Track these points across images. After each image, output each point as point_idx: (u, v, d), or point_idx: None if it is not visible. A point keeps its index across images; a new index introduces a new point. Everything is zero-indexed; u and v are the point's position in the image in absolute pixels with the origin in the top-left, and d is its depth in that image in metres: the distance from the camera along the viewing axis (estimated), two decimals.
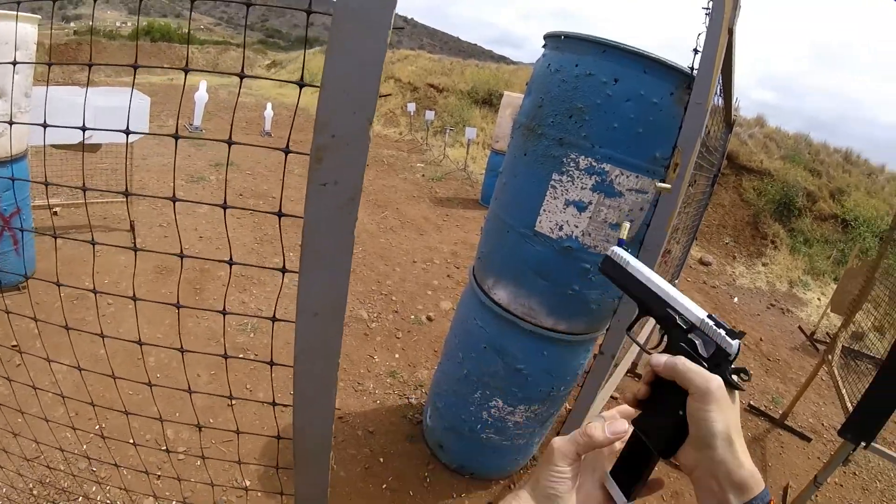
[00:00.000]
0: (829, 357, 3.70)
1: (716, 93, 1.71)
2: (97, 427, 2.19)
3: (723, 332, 0.51)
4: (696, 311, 0.54)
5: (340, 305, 0.52)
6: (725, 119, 2.77)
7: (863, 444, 2.20)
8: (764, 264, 8.25)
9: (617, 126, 1.68)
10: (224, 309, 0.66)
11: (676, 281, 3.77)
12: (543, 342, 2.10)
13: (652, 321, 0.71)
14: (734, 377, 0.51)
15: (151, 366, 2.87)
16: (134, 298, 0.70)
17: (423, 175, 8.95)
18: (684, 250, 3.97)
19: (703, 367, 0.51)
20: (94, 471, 2.17)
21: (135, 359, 2.63)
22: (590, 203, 1.81)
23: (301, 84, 0.50)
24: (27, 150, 3.21)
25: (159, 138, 6.90)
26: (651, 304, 0.58)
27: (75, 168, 4.39)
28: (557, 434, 1.65)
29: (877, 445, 2.25)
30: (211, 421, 2.60)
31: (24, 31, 2.93)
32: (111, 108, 3.11)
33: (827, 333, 5.59)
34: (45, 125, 0.90)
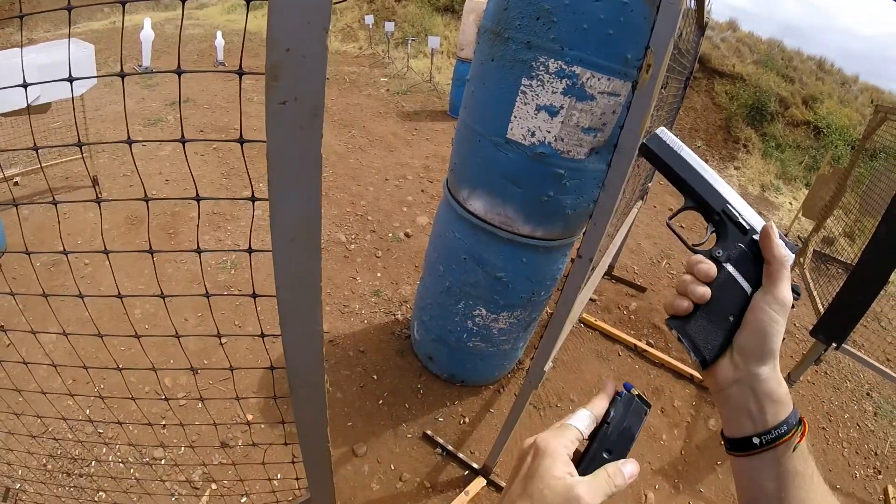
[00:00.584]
0: (801, 260, 3.86)
1: None
2: (96, 389, 2.22)
3: (784, 241, 0.50)
4: (756, 215, 0.52)
5: (315, 228, 0.52)
6: (697, 22, 2.68)
7: (834, 345, 2.32)
8: (736, 168, 8.35)
9: (587, 27, 1.61)
10: (198, 247, 0.65)
11: (649, 185, 3.82)
12: (521, 249, 2.14)
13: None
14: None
15: (138, 318, 2.86)
16: (105, 252, 0.68)
17: (388, 90, 8.60)
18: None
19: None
20: (101, 433, 2.22)
21: (121, 314, 2.61)
22: (561, 107, 1.77)
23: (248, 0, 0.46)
24: None
25: (111, 86, 6.41)
26: (707, 197, 0.54)
27: (28, 133, 4.10)
28: (540, 339, 1.70)
29: (847, 347, 2.38)
30: (205, 362, 2.65)
31: None
32: (54, 63, 2.84)
33: (798, 237, 5.79)
34: None
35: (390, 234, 4.19)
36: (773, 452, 0.47)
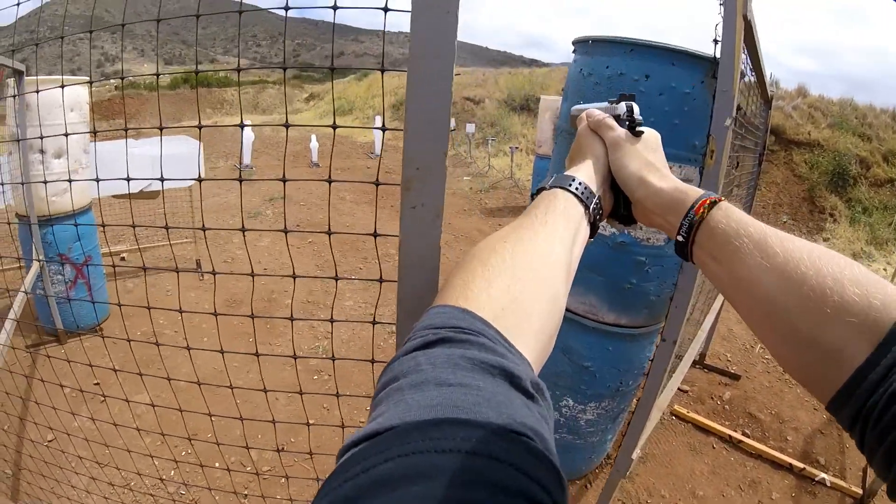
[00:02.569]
0: None
1: (747, 71, 1.73)
2: (183, 453, 2.37)
3: (621, 105, 0.64)
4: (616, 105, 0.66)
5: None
6: (762, 95, 2.74)
7: None
8: (825, 239, 7.88)
9: (654, 120, 1.70)
10: (291, 315, 0.77)
11: None
12: (607, 338, 2.14)
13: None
14: (636, 128, 0.62)
15: (228, 393, 3.04)
16: (188, 348, 0.81)
17: (471, 188, 9.06)
18: None
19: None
20: (183, 494, 2.33)
21: (213, 388, 2.81)
22: None
23: (384, 129, 0.61)
24: (91, 203, 3.51)
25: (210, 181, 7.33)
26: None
27: (137, 215, 4.74)
28: (623, 436, 1.67)
29: None
30: (292, 440, 2.76)
31: (76, 94, 3.20)
32: (166, 155, 3.36)
33: None
34: (97, 179, 1.06)
35: None
36: (699, 240, 0.52)
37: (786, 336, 0.42)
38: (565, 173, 0.59)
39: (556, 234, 0.50)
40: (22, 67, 2.72)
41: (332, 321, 0.81)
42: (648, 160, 0.60)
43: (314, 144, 9.90)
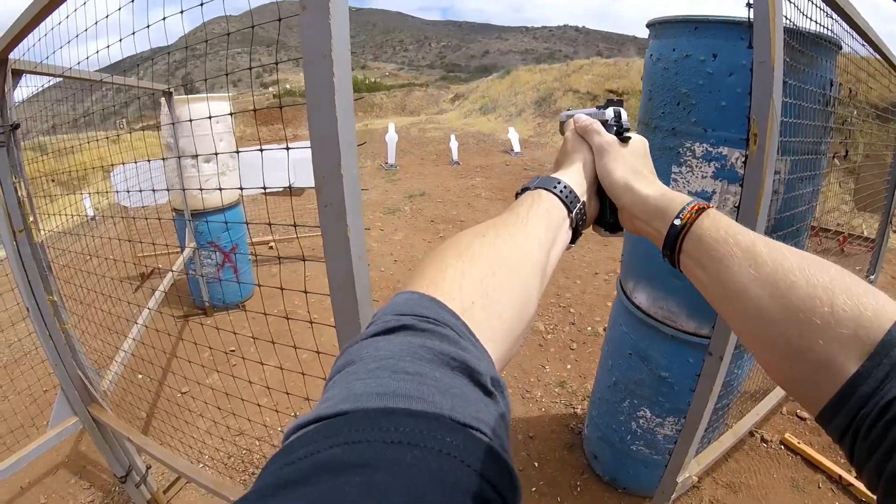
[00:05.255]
0: None
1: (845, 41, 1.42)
2: (293, 414, 2.71)
3: (609, 110, 0.65)
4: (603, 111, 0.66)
5: None
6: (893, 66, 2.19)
7: None
8: None
9: (725, 104, 1.53)
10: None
11: (871, 277, 3.05)
12: (687, 348, 1.94)
13: None
14: (623, 134, 0.62)
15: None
16: (311, 322, 0.96)
17: None
18: (879, 235, 3.12)
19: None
20: None
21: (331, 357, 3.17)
22: (714, 192, 1.66)
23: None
24: (239, 199, 4.16)
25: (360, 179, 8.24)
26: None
27: (286, 210, 5.48)
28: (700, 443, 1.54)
29: None
30: None
31: (221, 107, 3.77)
32: (303, 159, 3.88)
33: None
34: (240, 188, 1.29)
35: (589, 328, 4.10)
36: (686, 247, 0.51)
37: (774, 346, 0.41)
38: (551, 175, 0.58)
39: (536, 235, 0.49)
40: (170, 89, 3.38)
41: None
42: (635, 166, 0.60)
43: (454, 144, 10.29)
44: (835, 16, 1.35)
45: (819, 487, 2.49)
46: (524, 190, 0.57)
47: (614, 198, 0.59)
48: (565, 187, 0.55)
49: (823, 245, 3.30)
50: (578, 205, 0.56)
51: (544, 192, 0.54)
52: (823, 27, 1.30)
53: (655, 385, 2.07)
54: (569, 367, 3.58)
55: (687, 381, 1.99)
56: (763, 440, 2.72)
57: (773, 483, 2.51)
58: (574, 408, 3.11)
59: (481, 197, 7.58)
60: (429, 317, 0.34)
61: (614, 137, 0.61)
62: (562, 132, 0.69)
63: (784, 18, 1.06)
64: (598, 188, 0.61)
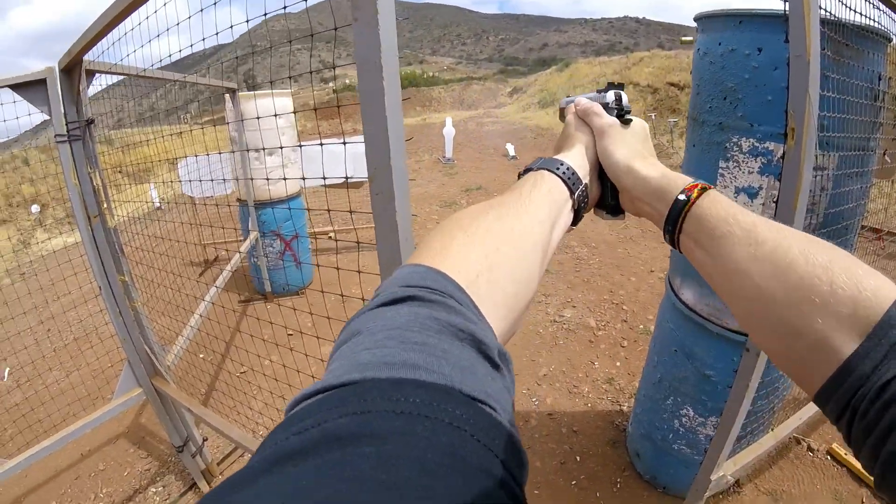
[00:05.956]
0: None
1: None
2: None
3: (610, 93, 0.65)
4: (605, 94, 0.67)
5: None
6: None
7: None
8: None
9: (771, 99, 1.50)
10: None
11: None
12: (732, 346, 1.91)
13: None
14: (624, 116, 0.63)
15: None
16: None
17: None
18: None
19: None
20: None
21: None
22: (760, 188, 1.63)
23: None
24: (300, 191, 4.38)
25: (417, 173, 8.30)
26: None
27: (344, 204, 5.65)
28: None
29: None
30: None
31: (284, 103, 3.97)
32: (359, 153, 4.05)
33: None
34: (303, 178, 1.42)
35: (641, 326, 4.03)
36: (686, 227, 0.50)
37: (772, 326, 0.41)
38: (553, 157, 0.59)
39: (538, 215, 0.49)
40: (234, 86, 3.60)
41: None
42: (636, 148, 0.60)
43: (510, 147, 10.27)
44: (882, 7, 1.30)
45: (863, 502, 2.36)
46: (527, 171, 0.57)
47: (615, 179, 0.59)
48: (568, 168, 0.55)
49: (888, 250, 3.07)
50: (581, 186, 0.56)
51: (547, 172, 0.54)
52: (870, 19, 1.26)
53: (699, 383, 2.04)
54: (618, 364, 3.54)
55: (730, 381, 1.95)
56: (810, 449, 2.60)
57: (817, 494, 2.39)
58: (620, 405, 3.09)
59: None
60: (435, 288, 0.34)
61: (615, 119, 0.62)
62: (562, 118, 0.69)
63: (822, 11, 1.04)
64: (600, 172, 0.62)
